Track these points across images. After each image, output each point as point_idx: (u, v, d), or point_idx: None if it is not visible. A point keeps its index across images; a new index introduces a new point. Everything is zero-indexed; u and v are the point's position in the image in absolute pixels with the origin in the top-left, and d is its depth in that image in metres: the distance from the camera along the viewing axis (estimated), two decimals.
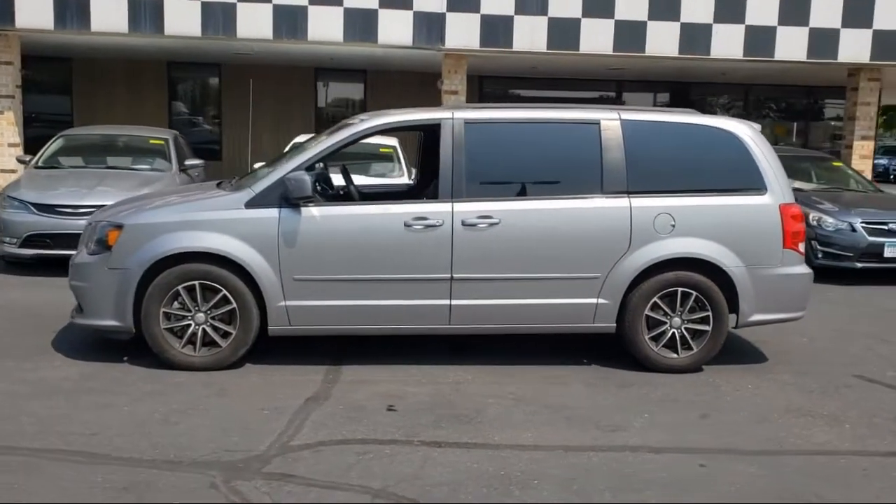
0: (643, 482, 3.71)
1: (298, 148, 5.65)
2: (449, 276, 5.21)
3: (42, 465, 3.63)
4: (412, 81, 16.18)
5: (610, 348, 5.87)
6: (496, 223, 5.22)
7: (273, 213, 5.08)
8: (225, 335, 5.12)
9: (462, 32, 11.17)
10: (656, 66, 13.43)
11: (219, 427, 4.17)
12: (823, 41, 12.01)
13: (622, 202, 5.35)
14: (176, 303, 5.07)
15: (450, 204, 5.21)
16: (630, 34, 11.55)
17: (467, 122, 5.33)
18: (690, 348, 5.48)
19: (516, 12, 11.32)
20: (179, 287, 5.03)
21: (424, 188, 6.66)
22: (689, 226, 5.38)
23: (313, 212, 5.11)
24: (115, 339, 5.39)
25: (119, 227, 5.07)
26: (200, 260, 5.04)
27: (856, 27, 12.05)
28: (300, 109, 15.95)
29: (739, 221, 5.45)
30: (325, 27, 10.91)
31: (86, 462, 3.68)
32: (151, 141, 10.22)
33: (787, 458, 4.09)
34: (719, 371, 5.54)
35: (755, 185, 5.54)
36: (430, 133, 6.66)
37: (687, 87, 17.97)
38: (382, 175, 9.84)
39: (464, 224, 5.19)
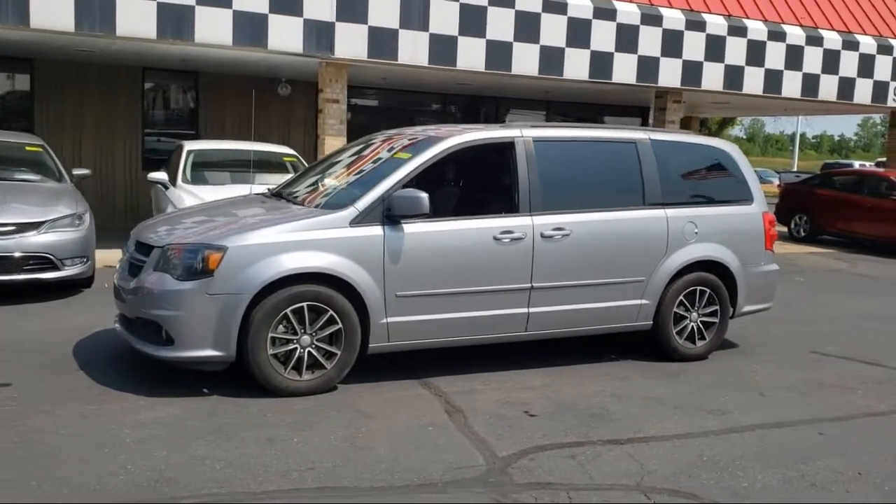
0: (800, 452, 4.38)
1: (383, 165, 5.48)
2: (529, 285, 5.51)
3: None
4: (248, 85, 15.56)
5: (611, 344, 6.41)
6: (567, 234, 5.62)
7: (378, 230, 5.01)
8: (327, 356, 4.94)
9: (351, 42, 11.14)
10: (508, 85, 14.42)
11: (411, 447, 4.12)
12: (648, 68, 13.83)
13: (660, 213, 6.03)
14: (281, 326, 4.80)
15: (530, 218, 5.51)
16: (499, 54, 12.34)
17: (535, 140, 5.67)
18: (704, 338, 6.32)
19: (401, 26, 11.55)
20: (288, 310, 4.77)
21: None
22: (707, 233, 6.21)
23: (416, 228, 5.12)
24: (179, 370, 4.94)
25: (221, 249, 4.66)
26: (309, 281, 4.82)
27: (671, 57, 14.05)
28: (125, 110, 14.59)
29: (738, 228, 6.41)
30: (214, 30, 10.25)
31: (348, 496, 3.49)
32: (28, 148, 8.93)
33: (862, 420, 5.02)
34: (720, 357, 6.43)
35: (744, 196, 6.55)
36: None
37: (497, 101, 19.30)
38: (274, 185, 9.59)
39: (542, 236, 5.52)
